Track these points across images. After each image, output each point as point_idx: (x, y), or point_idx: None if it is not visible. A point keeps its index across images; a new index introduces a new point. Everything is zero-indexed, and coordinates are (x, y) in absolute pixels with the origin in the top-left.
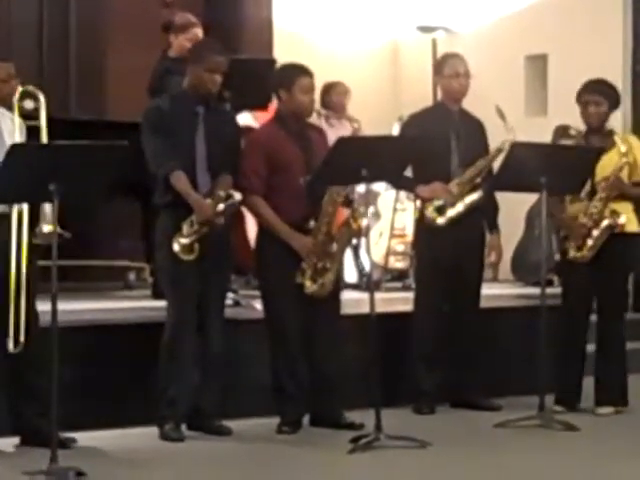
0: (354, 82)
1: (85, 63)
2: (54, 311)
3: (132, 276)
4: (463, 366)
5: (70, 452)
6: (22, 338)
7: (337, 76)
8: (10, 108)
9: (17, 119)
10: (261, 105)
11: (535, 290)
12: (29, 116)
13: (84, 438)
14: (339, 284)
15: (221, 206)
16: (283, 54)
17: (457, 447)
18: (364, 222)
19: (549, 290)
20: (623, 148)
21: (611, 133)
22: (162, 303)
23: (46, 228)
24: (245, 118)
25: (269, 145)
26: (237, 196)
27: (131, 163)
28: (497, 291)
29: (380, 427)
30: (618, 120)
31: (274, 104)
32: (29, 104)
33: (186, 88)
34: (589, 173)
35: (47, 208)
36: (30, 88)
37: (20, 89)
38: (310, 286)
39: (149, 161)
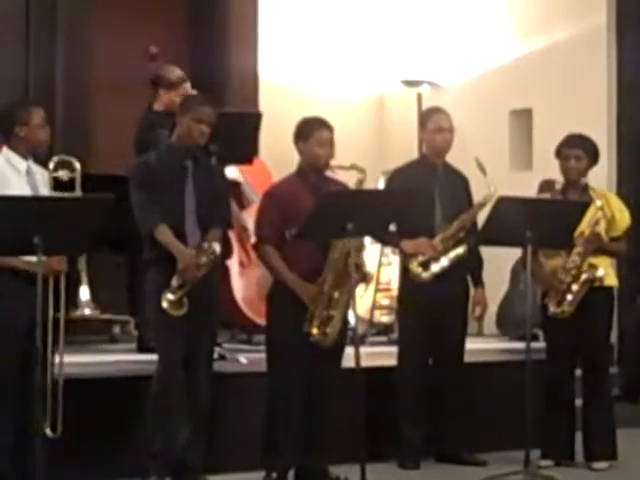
0: (339, 135)
1: (70, 118)
2: (38, 367)
3: (117, 329)
4: (448, 420)
5: None
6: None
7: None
8: (41, 155)
9: (44, 171)
10: (247, 159)
11: (520, 345)
12: (64, 187)
13: None
14: (345, 339)
15: (204, 259)
16: (269, 106)
17: None
18: (367, 269)
19: (534, 344)
20: (599, 203)
21: (586, 188)
22: (147, 356)
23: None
24: (231, 172)
25: (284, 196)
26: (217, 248)
27: (116, 216)
28: (482, 345)
29: None
30: (603, 174)
31: (260, 158)
32: (64, 174)
33: (174, 142)
34: (575, 227)
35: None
36: (65, 157)
37: (55, 159)
38: (316, 334)
39: (136, 217)
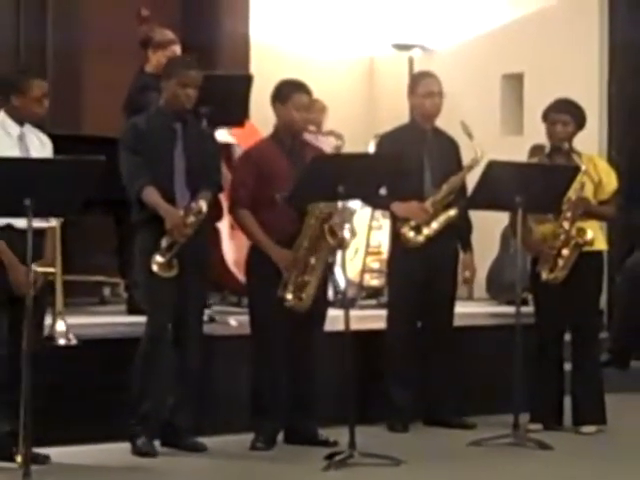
0: (330, 99)
1: (61, 79)
2: (28, 327)
3: (107, 291)
4: (437, 384)
5: (43, 468)
6: None
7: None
8: (38, 126)
9: (44, 137)
10: (237, 122)
11: (509, 309)
12: None
13: (57, 453)
14: (327, 301)
15: (191, 218)
16: (260, 69)
17: (430, 465)
18: (344, 235)
19: (524, 309)
20: (583, 167)
21: (569, 152)
22: (137, 318)
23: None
24: (221, 135)
25: (260, 159)
26: (204, 207)
27: (106, 178)
28: (472, 309)
29: (354, 444)
30: (595, 138)
31: (250, 121)
32: None
33: (162, 105)
34: (565, 192)
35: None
36: None
37: None
38: (290, 299)
39: (124, 180)
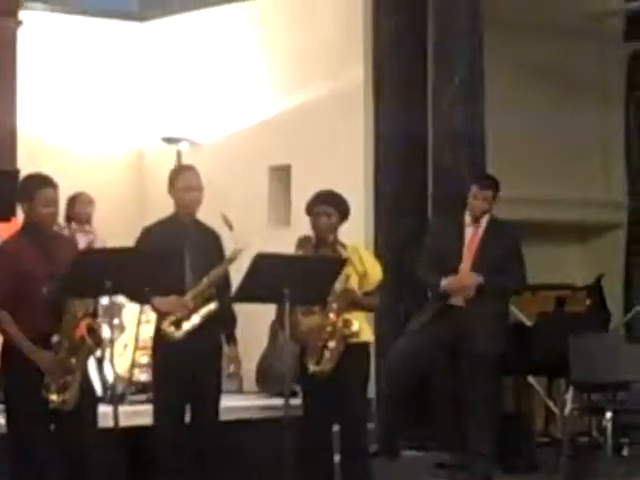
0: (99, 191)
1: None
2: None
3: None
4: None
5: None
6: None
7: (81, 184)
8: None
9: None
10: (4, 217)
11: (279, 401)
12: None
13: None
14: (95, 397)
15: None
16: (27, 162)
17: None
18: (103, 334)
19: (293, 401)
20: (347, 258)
21: (335, 244)
22: None
23: None
24: None
25: (13, 256)
26: None
27: None
28: (241, 403)
29: None
30: (361, 230)
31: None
32: None
33: None
34: (331, 284)
35: None
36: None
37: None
38: (55, 400)
39: None
